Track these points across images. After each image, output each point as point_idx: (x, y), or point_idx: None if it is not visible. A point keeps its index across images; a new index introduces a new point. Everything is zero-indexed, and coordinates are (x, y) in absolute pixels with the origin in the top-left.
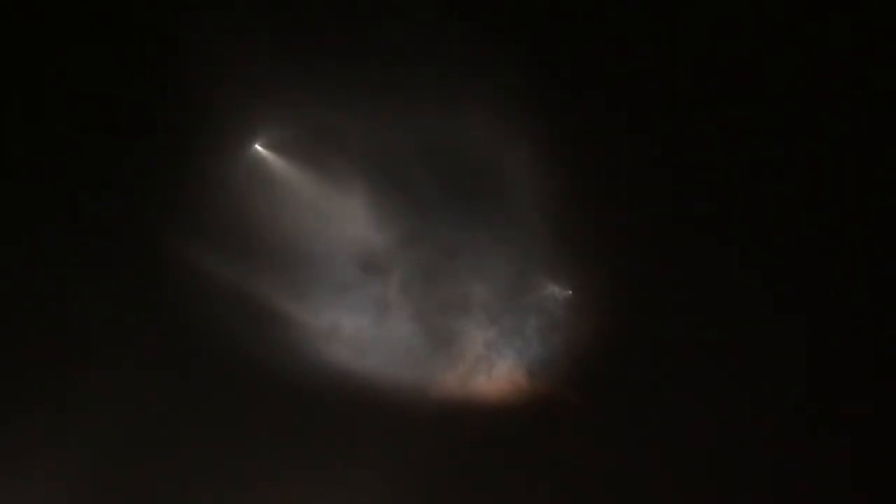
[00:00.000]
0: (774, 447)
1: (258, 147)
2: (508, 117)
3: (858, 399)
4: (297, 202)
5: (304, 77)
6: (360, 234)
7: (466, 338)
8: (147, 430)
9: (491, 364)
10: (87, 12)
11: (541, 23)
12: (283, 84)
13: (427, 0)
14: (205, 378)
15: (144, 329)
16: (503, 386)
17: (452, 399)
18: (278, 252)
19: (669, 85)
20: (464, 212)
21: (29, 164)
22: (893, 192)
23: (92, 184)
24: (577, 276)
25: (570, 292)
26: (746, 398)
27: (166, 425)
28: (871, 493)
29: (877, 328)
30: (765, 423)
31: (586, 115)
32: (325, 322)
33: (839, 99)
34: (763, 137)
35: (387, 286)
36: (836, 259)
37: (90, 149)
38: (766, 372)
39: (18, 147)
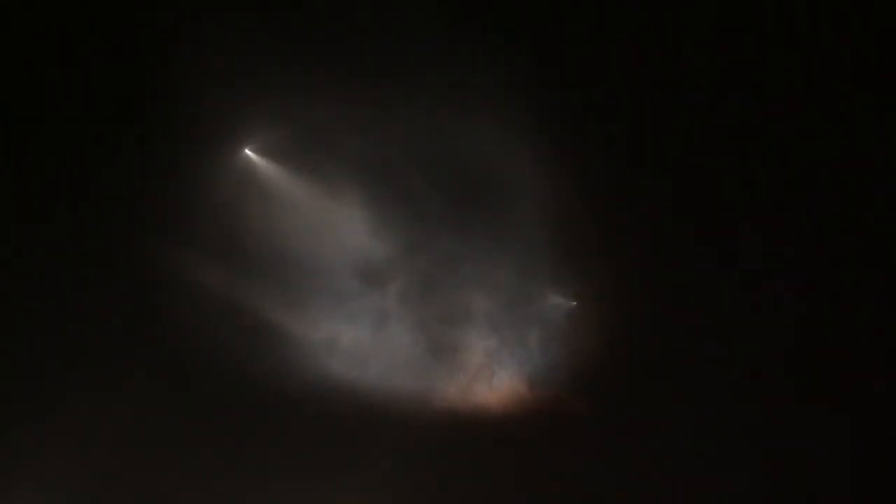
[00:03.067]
0: (778, 456)
1: (248, 152)
2: (510, 123)
3: (863, 407)
4: (291, 210)
5: (297, 78)
6: (358, 243)
7: (467, 348)
8: (141, 446)
9: (492, 374)
10: (71, 14)
11: (544, 27)
12: (275, 85)
13: (426, 2)
14: (199, 391)
15: (135, 342)
16: (505, 396)
17: (453, 409)
18: (272, 262)
19: (676, 88)
20: (464, 220)
21: (11, 170)
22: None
23: (73, 191)
24: (581, 286)
25: (574, 303)
26: (751, 408)
27: (161, 439)
28: None
29: (886, 333)
30: (769, 433)
31: (589, 122)
32: (322, 334)
33: (846, 101)
34: (769, 140)
35: (386, 296)
36: (844, 264)
37: (72, 154)
38: (770, 382)
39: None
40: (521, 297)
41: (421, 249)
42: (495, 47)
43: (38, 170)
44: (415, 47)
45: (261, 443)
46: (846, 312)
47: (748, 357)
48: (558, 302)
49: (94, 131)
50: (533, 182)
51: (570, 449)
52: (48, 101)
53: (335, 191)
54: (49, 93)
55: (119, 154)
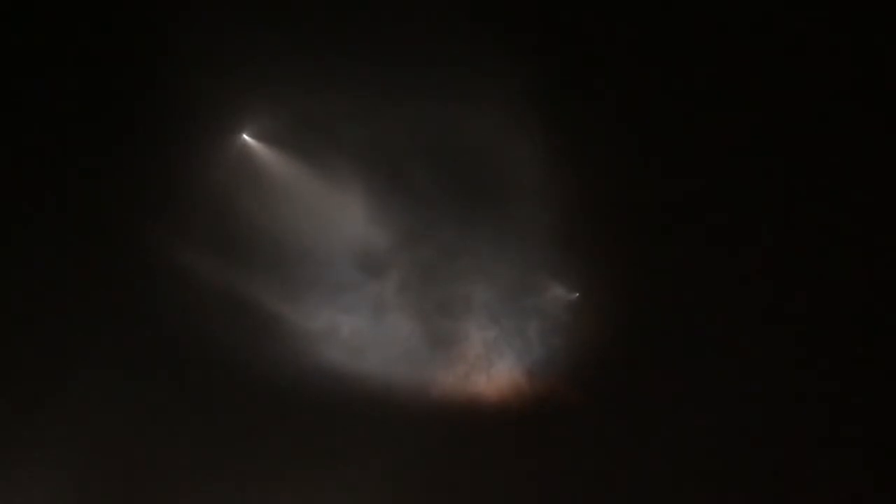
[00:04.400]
0: (777, 452)
1: (246, 137)
2: (513, 113)
3: (864, 400)
4: (290, 197)
5: (296, 63)
6: (357, 231)
7: (466, 339)
8: (137, 436)
9: (491, 365)
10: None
11: (546, 17)
12: (273, 69)
13: None
14: (195, 381)
15: (130, 333)
16: (503, 387)
17: (451, 400)
18: (270, 250)
19: (679, 86)
20: (465, 210)
21: (2, 161)
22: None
23: (67, 180)
24: (582, 278)
25: (574, 294)
26: (751, 403)
27: (157, 429)
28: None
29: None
30: (768, 428)
31: (593, 113)
32: (320, 323)
33: (847, 103)
34: (771, 140)
35: (385, 286)
36: (844, 263)
37: (69, 141)
38: (770, 377)
39: None
40: (520, 289)
41: (421, 239)
42: (498, 37)
43: (26, 161)
44: (416, 36)
45: (258, 433)
46: (851, 306)
47: (749, 349)
48: (558, 293)
49: (91, 118)
50: (534, 173)
51: (567, 440)
52: (44, 87)
53: (334, 178)
54: (45, 79)
55: (116, 139)
